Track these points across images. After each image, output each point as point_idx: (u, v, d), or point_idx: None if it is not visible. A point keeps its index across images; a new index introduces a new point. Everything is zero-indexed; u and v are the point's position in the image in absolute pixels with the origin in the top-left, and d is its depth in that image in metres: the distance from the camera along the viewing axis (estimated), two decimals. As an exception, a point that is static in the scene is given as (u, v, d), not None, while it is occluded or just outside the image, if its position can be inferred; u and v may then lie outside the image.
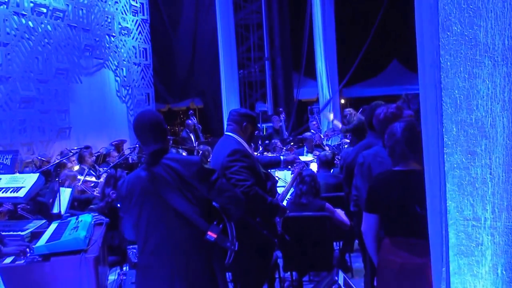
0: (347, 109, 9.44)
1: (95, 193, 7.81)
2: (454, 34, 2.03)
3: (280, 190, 6.40)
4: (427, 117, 2.22)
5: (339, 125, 10.51)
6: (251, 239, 4.34)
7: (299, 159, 5.94)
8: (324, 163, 7.44)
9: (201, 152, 9.92)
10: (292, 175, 6.25)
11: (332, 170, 7.77)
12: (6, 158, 5.83)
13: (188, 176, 3.55)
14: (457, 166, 2.07)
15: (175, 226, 3.56)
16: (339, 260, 6.82)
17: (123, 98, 15.90)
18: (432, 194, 2.26)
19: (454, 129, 2.06)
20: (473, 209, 2.07)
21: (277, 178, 6.26)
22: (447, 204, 2.10)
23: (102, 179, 8.61)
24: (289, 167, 8.37)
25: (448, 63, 2.05)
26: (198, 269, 3.58)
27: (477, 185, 2.05)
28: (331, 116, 11.55)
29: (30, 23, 11.93)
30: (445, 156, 2.08)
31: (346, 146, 11.98)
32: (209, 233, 3.54)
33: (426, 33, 2.17)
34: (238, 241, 3.83)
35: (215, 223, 3.62)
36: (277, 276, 5.94)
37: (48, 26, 12.54)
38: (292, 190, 6.17)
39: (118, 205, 5.42)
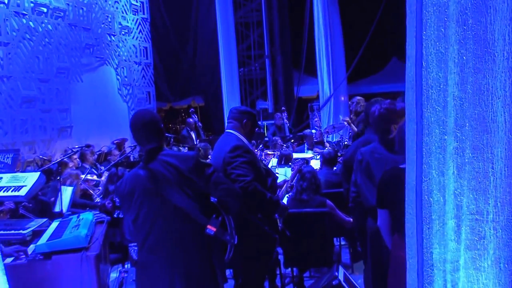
0: (356, 97, 9.20)
1: (96, 195, 7.81)
2: (470, 28, 2.02)
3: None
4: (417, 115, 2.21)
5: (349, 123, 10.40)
6: (252, 235, 4.35)
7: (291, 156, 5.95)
8: (328, 161, 7.43)
9: (201, 150, 9.93)
10: (292, 171, 6.26)
11: (335, 167, 7.77)
12: (7, 157, 5.81)
13: (186, 171, 3.58)
14: (468, 161, 2.06)
15: (175, 222, 3.58)
16: (353, 252, 6.89)
17: (124, 98, 15.88)
18: (410, 189, 2.26)
19: (467, 124, 2.05)
20: (476, 203, 2.07)
21: (277, 175, 6.27)
22: (460, 200, 2.09)
23: (103, 178, 8.62)
24: (290, 163, 8.39)
25: (464, 58, 2.04)
26: (198, 265, 3.60)
27: (479, 179, 2.05)
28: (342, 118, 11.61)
29: (30, 22, 11.92)
30: (456, 151, 2.07)
31: (346, 142, 12.01)
32: (208, 226, 3.56)
33: (410, 30, 2.17)
34: (239, 237, 3.84)
35: (213, 216, 3.63)
36: (278, 272, 5.95)
37: (49, 26, 12.53)
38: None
39: (115, 215, 5.45)
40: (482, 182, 2.05)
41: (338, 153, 9.41)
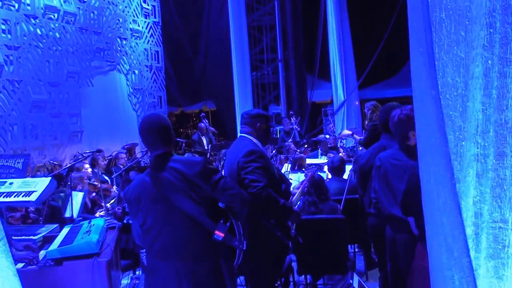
0: (370, 103, 8.71)
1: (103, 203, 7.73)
2: (496, 31, 1.97)
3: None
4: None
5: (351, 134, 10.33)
6: (265, 241, 4.32)
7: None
8: (333, 169, 7.38)
9: (222, 155, 9.85)
10: (305, 177, 6.20)
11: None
12: (18, 162, 5.80)
13: (192, 176, 3.56)
14: (491, 168, 2.01)
15: (182, 227, 3.57)
16: (367, 260, 6.90)
17: (134, 106, 15.83)
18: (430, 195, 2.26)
19: (491, 130, 1.99)
20: (501, 211, 2.02)
21: (290, 181, 6.20)
22: (479, 207, 2.04)
23: (114, 188, 8.56)
24: (303, 169, 8.32)
25: (489, 62, 1.99)
26: (206, 271, 3.58)
27: (505, 186, 2.00)
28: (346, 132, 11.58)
29: (42, 29, 11.92)
30: (476, 158, 2.02)
31: (360, 148, 11.91)
32: (216, 232, 3.53)
33: (417, 31, 2.12)
34: (252, 243, 3.80)
35: (221, 222, 3.60)
36: (291, 279, 5.91)
37: (59, 30, 12.53)
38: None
39: (124, 220, 5.44)
40: (508, 189, 1.99)
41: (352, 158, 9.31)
